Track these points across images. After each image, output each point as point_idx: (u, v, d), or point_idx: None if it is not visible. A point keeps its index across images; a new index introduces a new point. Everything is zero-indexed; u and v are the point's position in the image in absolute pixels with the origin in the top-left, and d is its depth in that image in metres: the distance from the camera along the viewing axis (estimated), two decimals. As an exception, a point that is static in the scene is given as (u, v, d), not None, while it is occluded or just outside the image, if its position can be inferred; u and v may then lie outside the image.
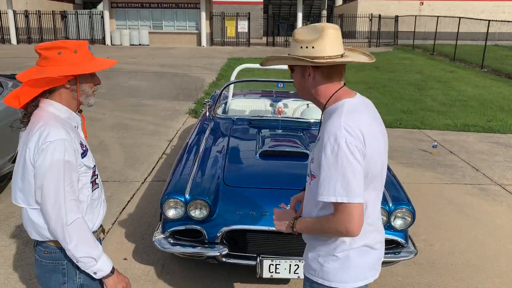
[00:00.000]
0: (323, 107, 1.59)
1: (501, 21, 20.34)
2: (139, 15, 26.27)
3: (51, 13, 26.65)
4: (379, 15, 27.03)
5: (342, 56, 1.51)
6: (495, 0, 37.86)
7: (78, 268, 1.65)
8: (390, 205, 2.83)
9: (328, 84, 1.56)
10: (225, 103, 5.21)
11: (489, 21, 18.31)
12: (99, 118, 7.82)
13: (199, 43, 25.93)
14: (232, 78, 5.19)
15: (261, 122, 4.15)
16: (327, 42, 1.48)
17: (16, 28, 25.75)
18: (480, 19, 21.68)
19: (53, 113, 1.60)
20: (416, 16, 26.67)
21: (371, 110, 1.59)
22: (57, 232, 1.56)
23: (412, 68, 16.44)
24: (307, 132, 3.97)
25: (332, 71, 1.54)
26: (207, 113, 4.56)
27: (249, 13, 26.76)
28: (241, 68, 5.19)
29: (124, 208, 4.24)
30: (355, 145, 1.43)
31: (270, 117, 4.20)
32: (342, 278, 1.59)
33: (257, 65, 5.18)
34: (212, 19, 26.18)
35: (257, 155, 3.34)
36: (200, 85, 11.33)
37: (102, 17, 25.92)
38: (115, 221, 3.97)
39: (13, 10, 25.52)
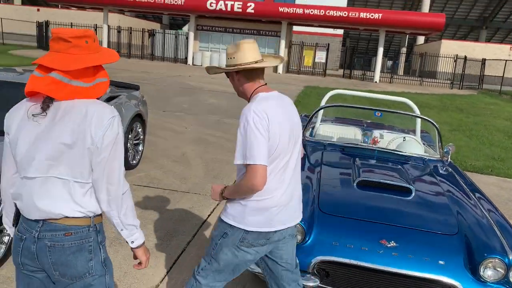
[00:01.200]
0: (248, 100, 2.08)
1: None
2: (222, 39, 27.24)
3: (141, 30, 28.38)
4: (465, 57, 25.91)
5: (256, 62, 2.03)
6: None
7: (100, 243, 1.74)
8: (510, 257, 2.51)
9: (250, 83, 2.08)
10: (313, 128, 5.07)
11: None
12: (181, 131, 8.00)
13: (275, 70, 26.28)
14: (323, 103, 5.06)
15: (355, 150, 3.95)
16: (242, 54, 2.02)
17: (108, 42, 27.65)
18: None
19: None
20: (506, 60, 25.26)
21: (283, 103, 2.08)
22: (113, 202, 1.67)
23: (500, 114, 15.42)
24: (406, 166, 3.71)
25: (251, 73, 2.06)
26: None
27: (328, 44, 26.80)
28: (333, 93, 5.05)
29: (204, 221, 4.19)
30: (260, 123, 1.92)
31: (366, 145, 3.99)
32: (243, 221, 2.06)
33: (350, 92, 5.04)
34: (291, 47, 26.50)
35: (354, 184, 3.14)
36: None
37: (187, 38, 27.16)
38: (196, 233, 3.91)
39: (108, 25, 27.49)
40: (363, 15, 23.40)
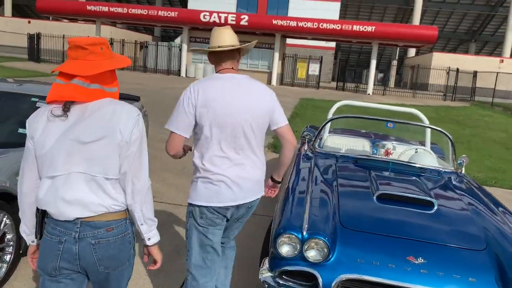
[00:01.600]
0: None
1: None
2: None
3: (134, 42, 28.28)
4: (457, 69, 26.15)
5: (219, 47, 2.29)
6: None
7: (133, 233, 1.82)
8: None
9: (217, 65, 2.38)
10: (320, 139, 4.95)
11: None
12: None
13: (269, 82, 26.26)
14: (330, 114, 4.96)
15: (369, 162, 3.83)
16: (212, 38, 2.34)
17: (101, 54, 27.49)
18: None
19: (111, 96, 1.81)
20: (498, 73, 25.53)
21: (239, 85, 2.30)
22: (137, 195, 1.74)
23: (495, 126, 15.48)
24: (423, 178, 3.59)
25: (216, 56, 2.35)
26: (305, 147, 4.32)
27: (321, 56, 26.91)
28: (341, 104, 4.96)
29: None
30: (187, 98, 2.23)
31: (380, 157, 3.87)
32: (192, 196, 2.34)
33: (358, 103, 4.94)
34: (285, 60, 26.56)
35: (374, 198, 3.01)
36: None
37: (180, 50, 27.10)
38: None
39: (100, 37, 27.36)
40: (356, 27, 23.54)
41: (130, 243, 1.81)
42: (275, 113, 2.43)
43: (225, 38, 2.32)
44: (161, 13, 25.19)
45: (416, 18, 40.14)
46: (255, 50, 26.39)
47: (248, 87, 2.32)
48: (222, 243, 2.58)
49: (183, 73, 26.94)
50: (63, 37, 29.01)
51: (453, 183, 3.57)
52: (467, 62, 31.94)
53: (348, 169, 3.66)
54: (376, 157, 3.86)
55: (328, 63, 31.42)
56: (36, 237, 1.81)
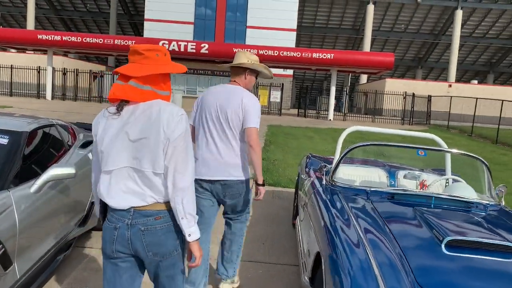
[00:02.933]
0: None
1: None
2: (174, 80, 26.61)
3: (88, 72, 27.15)
4: (413, 94, 26.94)
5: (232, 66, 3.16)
6: (525, 87, 37.97)
7: (178, 226, 1.92)
8: None
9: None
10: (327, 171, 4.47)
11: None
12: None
13: (230, 110, 25.88)
14: (341, 142, 4.53)
15: (406, 197, 3.36)
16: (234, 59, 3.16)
17: (53, 85, 26.12)
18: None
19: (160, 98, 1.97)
20: (452, 97, 26.51)
21: (224, 91, 3.08)
22: (179, 189, 1.86)
23: (460, 148, 15.74)
24: (474, 214, 3.16)
25: (230, 73, 3.19)
26: (322, 180, 3.82)
27: (282, 84, 26.94)
28: (351, 130, 4.53)
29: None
30: (195, 102, 3.22)
31: (419, 191, 3.41)
32: None
33: (369, 128, 4.56)
34: (246, 87, 26.34)
35: (443, 246, 2.51)
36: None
37: (138, 79, 26.27)
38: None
39: (52, 67, 26.03)
40: (315, 55, 23.78)
41: (176, 232, 1.94)
42: (246, 115, 3.02)
43: (236, 59, 3.13)
44: (117, 42, 24.38)
45: (367, 46, 41.58)
46: (215, 78, 26.06)
47: (230, 92, 3.07)
48: (229, 218, 3.34)
49: (141, 103, 26.03)
50: (11, 67, 27.39)
51: (505, 218, 3.16)
52: (418, 87, 33.12)
53: (390, 207, 3.18)
54: (414, 192, 3.40)
55: (286, 90, 31.53)
56: (102, 222, 2.02)
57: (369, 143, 3.84)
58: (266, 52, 23.82)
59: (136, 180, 1.88)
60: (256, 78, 3.29)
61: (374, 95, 29.79)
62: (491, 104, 25.20)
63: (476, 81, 41.96)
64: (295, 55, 23.79)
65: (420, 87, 33.43)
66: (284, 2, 32.97)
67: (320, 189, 3.67)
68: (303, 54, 23.79)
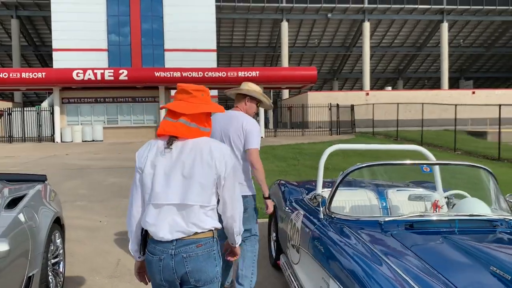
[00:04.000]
0: None
1: (472, 105, 21.21)
2: (93, 110, 24.87)
3: (-7, 110, 24.54)
4: (337, 105, 27.65)
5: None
6: (435, 90, 40.96)
7: (219, 252, 2.12)
8: None
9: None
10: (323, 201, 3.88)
11: (456, 105, 18.93)
12: (97, 227, 6.10)
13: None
14: (322, 164, 4.01)
15: (427, 224, 2.86)
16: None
17: (-49, 127, 23.23)
18: (445, 104, 22.64)
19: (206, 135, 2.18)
20: (374, 104, 27.58)
21: (226, 117, 3.43)
22: (236, 216, 2.16)
23: (395, 153, 16.10)
24: (504, 235, 2.75)
25: (234, 100, 3.60)
26: (319, 214, 3.24)
27: (209, 105, 26.32)
28: (333, 149, 4.04)
29: None
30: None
31: (441, 216, 2.92)
32: None
33: (353, 146, 4.11)
34: (171, 112, 25.31)
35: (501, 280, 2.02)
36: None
37: (52, 113, 24.18)
38: None
39: (-51, 108, 23.18)
40: (241, 74, 23.56)
41: (215, 259, 2.09)
42: (247, 137, 3.36)
43: (240, 87, 3.51)
44: (25, 75, 22.30)
45: (285, 62, 42.50)
46: (138, 104, 24.80)
47: (232, 117, 3.41)
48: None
49: (57, 138, 23.94)
50: None
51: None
52: (339, 97, 34.21)
53: (417, 240, 2.66)
54: (435, 217, 2.92)
55: (213, 111, 30.95)
56: (140, 254, 2.17)
57: (370, 164, 3.34)
58: (190, 74, 23.14)
59: (184, 215, 2.03)
60: (258, 107, 3.62)
61: (299, 109, 30.19)
62: (406, 108, 26.56)
63: (390, 88, 44.56)
64: (220, 75, 23.36)
65: (341, 97, 34.55)
66: (201, 23, 32.60)
67: (321, 225, 3.08)
68: (229, 74, 23.45)
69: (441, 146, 19.01)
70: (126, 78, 22.84)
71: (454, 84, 50.62)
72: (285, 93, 43.12)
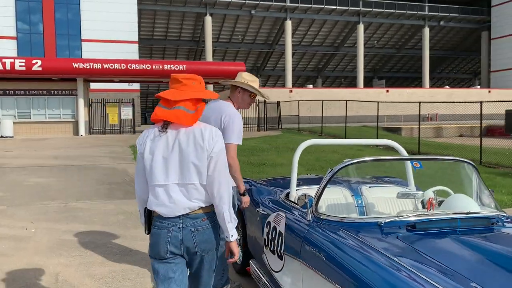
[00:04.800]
0: None
1: (395, 102, 22.24)
2: (1, 103, 22.48)
3: None
4: (265, 101, 27.76)
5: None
6: (353, 88, 42.91)
7: (218, 224, 2.31)
8: None
9: None
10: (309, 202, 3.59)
11: (378, 102, 19.79)
12: (24, 236, 5.30)
13: (76, 132, 23.01)
14: (296, 160, 3.76)
15: (430, 224, 2.69)
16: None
17: None
18: (368, 101, 23.57)
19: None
20: (299, 101, 28.08)
21: (211, 107, 3.27)
22: (224, 197, 2.24)
23: (323, 148, 16.42)
24: (502, 231, 2.67)
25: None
26: (307, 216, 2.96)
27: (133, 99, 25.07)
28: (307, 145, 3.81)
29: None
30: None
31: (444, 216, 2.76)
32: None
33: (326, 141, 3.91)
34: (91, 106, 23.72)
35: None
36: (129, 178, 9.15)
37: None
38: None
39: None
40: (167, 67, 22.69)
41: (218, 229, 2.32)
42: (224, 131, 3.18)
43: (236, 79, 3.36)
44: None
45: (209, 57, 41.95)
46: (53, 98, 22.89)
47: (215, 109, 3.27)
48: None
49: (-42, 134, 21.33)
50: None
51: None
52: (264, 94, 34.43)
53: (429, 243, 2.48)
54: (438, 216, 2.75)
55: (136, 106, 29.62)
56: (145, 232, 2.35)
57: (360, 160, 3.12)
58: (112, 66, 21.79)
59: (185, 192, 2.21)
60: (252, 98, 3.43)
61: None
62: (326, 105, 27.40)
63: (311, 85, 45.88)
64: (145, 67, 22.29)
65: (266, 94, 34.83)
66: (122, 13, 30.96)
67: (312, 230, 2.79)
68: (154, 66, 22.46)
69: (365, 142, 19.82)
70: (40, 68, 20.90)
71: (368, 83, 53.41)
72: (209, 89, 42.56)
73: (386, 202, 3.76)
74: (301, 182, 4.11)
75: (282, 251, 3.08)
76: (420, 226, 2.67)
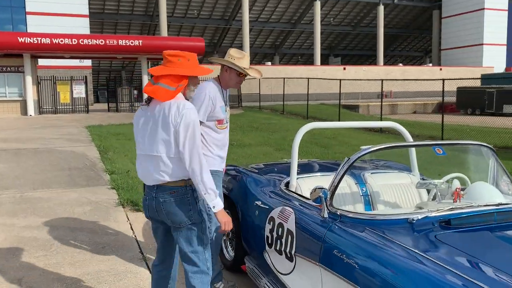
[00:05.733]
0: None
1: (358, 79, 22.22)
2: None
3: None
4: (224, 78, 27.04)
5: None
6: (311, 66, 42.85)
7: (196, 198, 2.46)
8: None
9: None
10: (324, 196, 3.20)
11: (340, 80, 19.69)
12: (-23, 234, 4.65)
13: (24, 112, 21.49)
14: (296, 146, 3.40)
15: (466, 220, 2.40)
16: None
17: None
18: (330, 79, 23.45)
19: (177, 96, 2.40)
20: (259, 79, 27.59)
21: (199, 86, 3.01)
22: (194, 170, 2.33)
23: (289, 127, 16.19)
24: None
25: None
26: (323, 212, 2.61)
27: (85, 76, 23.67)
28: (308, 129, 3.44)
29: None
30: None
31: (481, 209, 2.47)
32: None
33: (329, 124, 3.57)
34: (40, 84, 22.17)
35: None
36: (89, 163, 8.43)
37: None
38: None
39: None
40: (122, 42, 21.47)
41: (189, 205, 2.42)
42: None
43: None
44: None
45: (163, 33, 40.35)
46: (12, 75, 21.13)
47: (200, 87, 3.07)
48: None
49: None
50: None
51: None
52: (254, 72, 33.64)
53: (473, 243, 2.19)
54: (464, 208, 2.46)
55: (88, 83, 28.08)
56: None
57: (378, 147, 2.78)
58: (62, 41, 20.33)
59: (155, 164, 2.38)
60: (241, 77, 3.20)
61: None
62: (286, 83, 27.17)
63: (269, 63, 45.37)
64: (98, 42, 20.98)
65: (258, 71, 34.07)
66: (70, -16, 28.96)
67: (332, 230, 2.45)
68: (108, 42, 21.19)
69: (325, 120, 19.76)
70: (-20, 42, 19.17)
71: (324, 60, 53.58)
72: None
73: (391, 189, 3.48)
74: (299, 169, 3.74)
75: (293, 252, 2.73)
76: (455, 223, 2.38)
